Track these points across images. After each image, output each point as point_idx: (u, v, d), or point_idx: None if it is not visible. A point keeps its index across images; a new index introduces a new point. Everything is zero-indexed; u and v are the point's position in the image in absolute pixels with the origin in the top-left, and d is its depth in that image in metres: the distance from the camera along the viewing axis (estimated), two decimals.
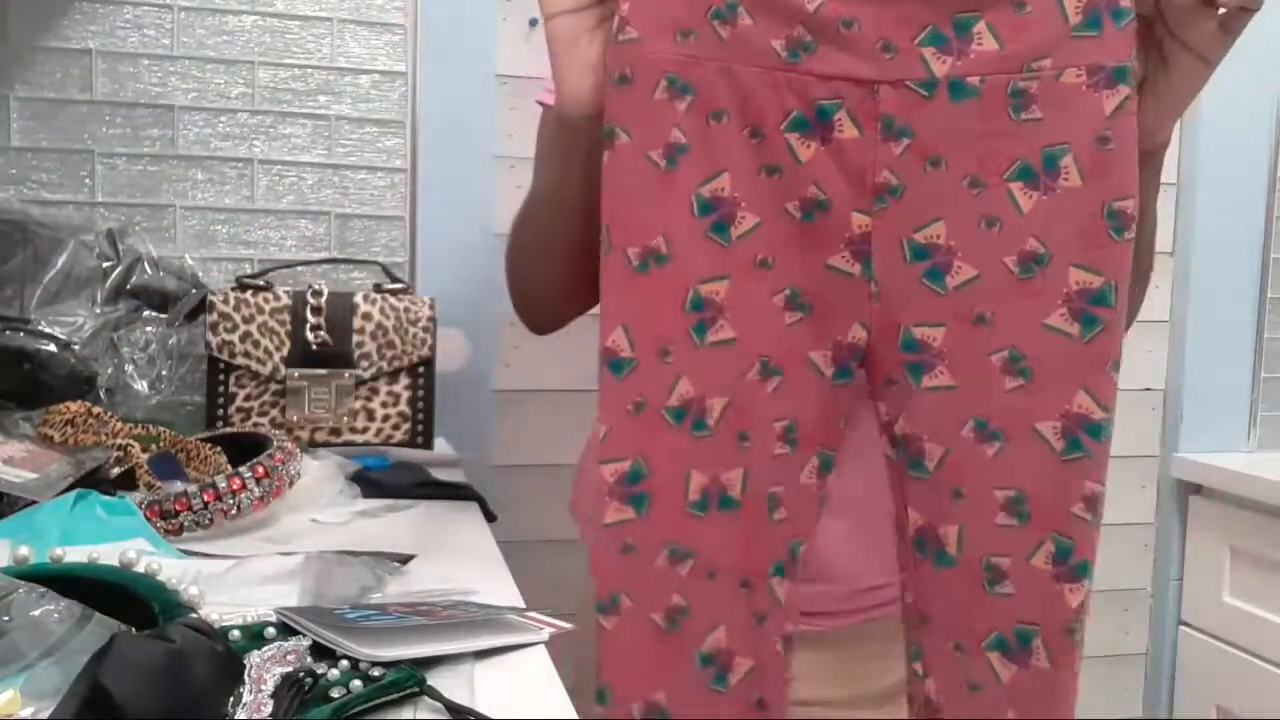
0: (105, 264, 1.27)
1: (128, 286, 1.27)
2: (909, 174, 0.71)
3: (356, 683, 0.59)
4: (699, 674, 0.73)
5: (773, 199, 0.72)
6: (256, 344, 1.23)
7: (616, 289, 0.71)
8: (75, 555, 0.70)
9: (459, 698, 0.60)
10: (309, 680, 0.58)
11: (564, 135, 0.81)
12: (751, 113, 0.71)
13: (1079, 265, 0.70)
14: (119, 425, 1.06)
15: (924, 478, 0.74)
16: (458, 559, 0.91)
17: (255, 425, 1.22)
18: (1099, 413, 0.70)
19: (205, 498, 0.92)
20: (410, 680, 0.60)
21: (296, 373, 1.24)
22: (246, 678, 0.58)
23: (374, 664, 0.60)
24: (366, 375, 1.26)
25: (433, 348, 1.29)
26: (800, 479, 0.75)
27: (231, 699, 0.56)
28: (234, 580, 0.79)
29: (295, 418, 1.24)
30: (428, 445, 1.29)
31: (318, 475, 1.08)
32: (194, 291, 1.29)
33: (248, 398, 1.24)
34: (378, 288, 1.31)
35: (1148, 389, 1.82)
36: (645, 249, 0.71)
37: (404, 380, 1.28)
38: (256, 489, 0.94)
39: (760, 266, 0.72)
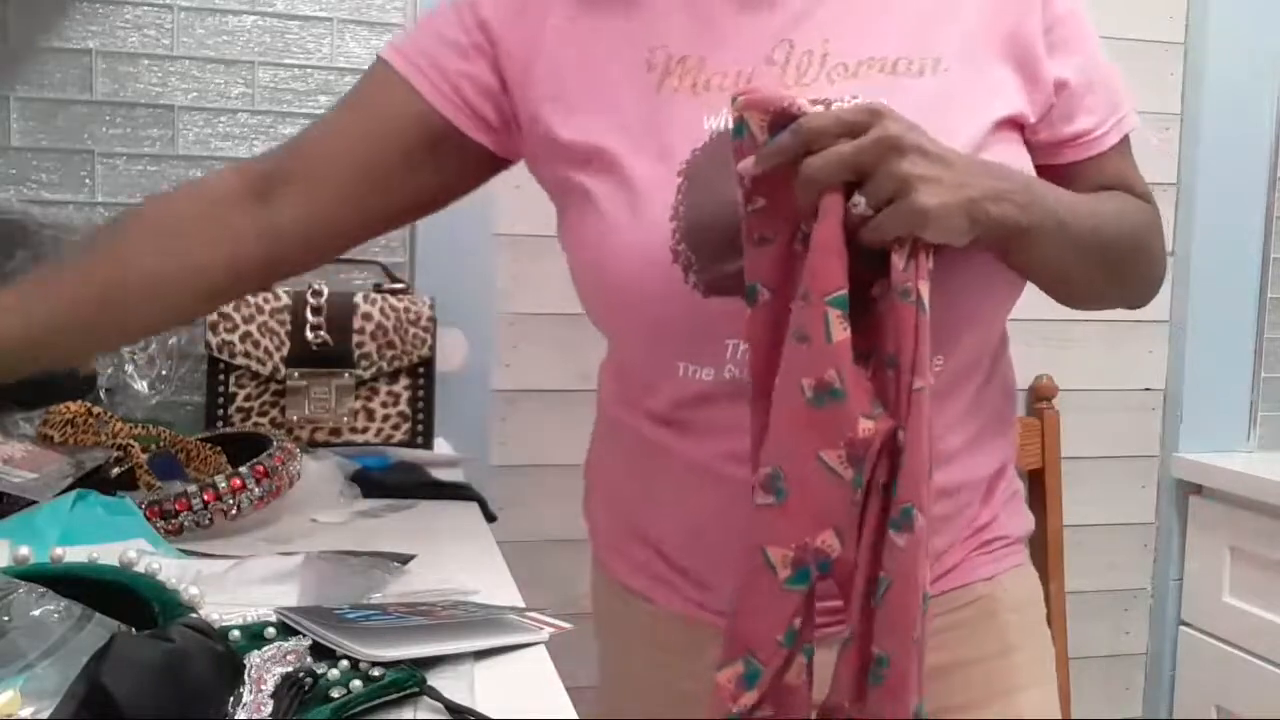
0: None
1: None
2: None
3: (356, 683, 0.59)
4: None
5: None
6: (256, 344, 1.23)
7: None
8: (75, 555, 0.70)
9: (459, 698, 0.60)
10: (309, 680, 0.58)
11: None
12: None
13: None
14: (119, 425, 1.06)
15: None
16: (458, 559, 0.91)
17: (255, 425, 1.22)
18: None
19: (205, 498, 0.92)
20: (410, 680, 0.60)
21: (296, 373, 1.24)
22: (246, 678, 0.58)
23: (374, 664, 0.60)
24: (366, 375, 1.26)
25: (433, 348, 1.29)
26: None
27: (231, 699, 0.56)
28: (234, 580, 0.79)
29: (295, 418, 1.24)
30: (428, 445, 1.29)
31: (318, 475, 1.08)
32: None
33: (248, 398, 1.24)
34: (378, 287, 1.31)
35: (1148, 389, 1.82)
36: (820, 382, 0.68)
37: (404, 380, 1.28)
38: (256, 489, 0.95)
39: None
